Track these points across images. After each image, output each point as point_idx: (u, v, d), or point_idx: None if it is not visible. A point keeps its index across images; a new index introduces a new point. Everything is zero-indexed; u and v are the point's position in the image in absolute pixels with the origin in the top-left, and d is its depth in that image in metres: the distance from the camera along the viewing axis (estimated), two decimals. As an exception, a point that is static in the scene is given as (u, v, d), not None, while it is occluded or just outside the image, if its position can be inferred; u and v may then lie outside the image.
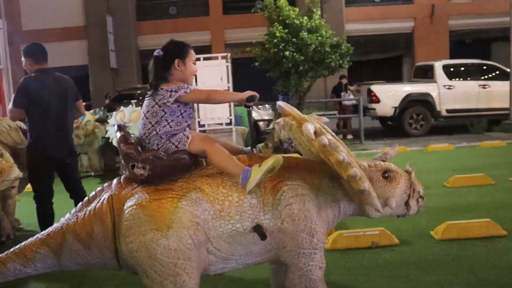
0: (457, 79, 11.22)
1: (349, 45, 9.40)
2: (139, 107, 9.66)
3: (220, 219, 2.34)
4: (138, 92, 11.84)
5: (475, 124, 10.81)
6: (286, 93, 9.58)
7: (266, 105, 11.03)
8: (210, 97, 2.64)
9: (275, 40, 8.66)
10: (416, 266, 3.36)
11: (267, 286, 2.85)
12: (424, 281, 3.11)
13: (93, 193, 2.56)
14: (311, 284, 2.41)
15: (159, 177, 2.42)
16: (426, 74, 11.76)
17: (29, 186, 4.43)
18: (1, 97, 8.02)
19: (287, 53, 8.49)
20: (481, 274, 3.15)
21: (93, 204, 2.47)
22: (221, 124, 9.86)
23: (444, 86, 11.02)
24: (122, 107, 7.64)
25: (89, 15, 19.98)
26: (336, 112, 11.70)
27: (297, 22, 8.78)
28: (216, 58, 9.82)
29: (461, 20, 20.37)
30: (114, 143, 6.48)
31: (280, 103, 2.62)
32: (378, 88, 11.20)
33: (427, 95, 10.97)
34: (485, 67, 11.74)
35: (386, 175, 2.54)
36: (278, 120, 2.57)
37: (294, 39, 8.72)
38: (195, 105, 9.60)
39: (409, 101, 10.94)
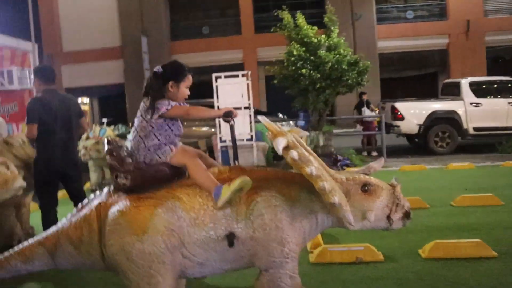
0: (486, 96, 10.90)
1: (368, 62, 9.41)
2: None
3: (194, 226, 2.47)
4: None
5: (504, 143, 10.44)
6: (306, 110, 9.65)
7: (291, 122, 11.14)
8: (189, 113, 2.78)
9: (292, 58, 8.79)
10: (394, 283, 3.32)
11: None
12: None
13: (86, 200, 2.77)
14: None
15: (141, 186, 2.60)
16: (453, 91, 11.50)
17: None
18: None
19: (304, 71, 8.60)
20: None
21: (84, 210, 2.69)
22: (242, 140, 10.04)
23: (471, 103, 10.72)
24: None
25: (125, 36, 20.85)
26: (360, 128, 11.62)
27: (315, 40, 8.89)
28: (237, 76, 10.08)
29: (498, 35, 19.82)
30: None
31: (260, 117, 2.73)
32: (402, 105, 11.05)
33: (453, 112, 10.71)
34: (515, 84, 11.37)
35: (366, 188, 2.55)
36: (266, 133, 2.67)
37: (312, 57, 8.82)
38: (217, 120, 9.87)
39: (434, 119, 10.71)
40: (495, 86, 11.20)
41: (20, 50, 8.57)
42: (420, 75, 21.54)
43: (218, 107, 10.00)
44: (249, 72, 9.97)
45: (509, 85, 11.11)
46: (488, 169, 8.18)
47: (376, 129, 11.27)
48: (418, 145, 11.64)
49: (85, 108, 23.69)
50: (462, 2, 19.83)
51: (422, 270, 3.55)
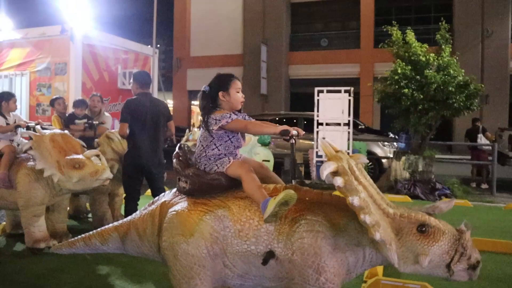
0: None
1: (481, 85, 8.65)
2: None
3: (238, 238, 2.56)
4: (264, 118, 12.61)
5: None
6: (408, 132, 9.20)
7: (394, 143, 10.72)
8: (248, 128, 2.84)
9: (396, 77, 8.45)
10: None
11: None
12: None
13: (157, 197, 3.08)
14: None
15: (198, 191, 2.77)
16: None
17: (148, 190, 5.29)
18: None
19: (406, 90, 8.21)
20: None
21: (152, 206, 3.00)
22: (338, 156, 9.93)
23: None
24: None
25: (246, 44, 21.87)
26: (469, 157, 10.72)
27: (423, 59, 8.44)
28: (339, 91, 10.02)
29: None
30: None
31: (320, 140, 2.69)
32: (523, 136, 9.96)
33: None
34: None
35: (423, 229, 2.35)
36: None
37: (418, 77, 8.39)
38: (315, 135, 9.93)
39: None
40: None
41: (142, 54, 9.58)
42: None
43: (317, 121, 10.07)
44: (352, 89, 9.86)
45: None
46: None
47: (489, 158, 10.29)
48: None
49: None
50: None
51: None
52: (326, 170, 2.35)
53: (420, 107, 8.35)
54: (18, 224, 5.00)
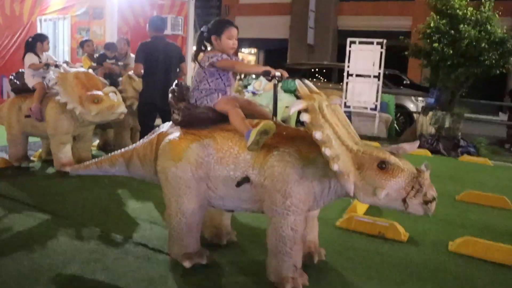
0: None
1: (517, 43, 8.26)
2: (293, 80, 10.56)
3: (219, 164, 2.90)
4: (303, 67, 12.72)
5: None
6: (440, 89, 9.01)
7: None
8: (235, 67, 3.14)
9: (428, 30, 8.24)
10: (394, 267, 3.35)
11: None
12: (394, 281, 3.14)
13: (156, 128, 3.48)
14: (280, 240, 2.76)
15: (188, 123, 3.09)
16: None
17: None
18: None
19: (436, 45, 8.01)
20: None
21: (152, 135, 3.42)
22: (366, 108, 10.00)
23: None
24: (260, 77, 8.63)
25: (295, -8, 21.43)
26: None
27: (460, 13, 8.12)
28: (372, 43, 9.91)
29: None
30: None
31: (297, 80, 2.83)
32: None
33: None
34: None
35: (384, 165, 2.53)
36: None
37: (452, 31, 8.12)
38: (344, 86, 10.00)
39: None
40: None
41: (178, 0, 9.87)
42: None
43: (348, 72, 10.09)
44: (385, 41, 9.70)
45: None
46: None
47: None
48: None
49: (251, 58, 25.54)
50: None
51: (437, 260, 3.53)
52: (294, 107, 2.62)
53: (449, 63, 8.15)
54: (50, 151, 5.69)
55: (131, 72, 5.88)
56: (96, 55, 7.01)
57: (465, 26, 8.06)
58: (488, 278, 3.29)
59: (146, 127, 5.45)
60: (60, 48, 9.14)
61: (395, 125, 10.66)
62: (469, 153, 8.44)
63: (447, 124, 8.78)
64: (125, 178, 4.12)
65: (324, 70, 12.57)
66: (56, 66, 5.39)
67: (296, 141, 2.80)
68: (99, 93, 5.06)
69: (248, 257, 3.02)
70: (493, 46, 7.99)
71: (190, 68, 6.75)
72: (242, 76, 10.18)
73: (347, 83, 10.02)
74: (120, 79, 6.03)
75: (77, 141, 5.58)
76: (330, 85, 11.60)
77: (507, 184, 6.31)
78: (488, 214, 4.84)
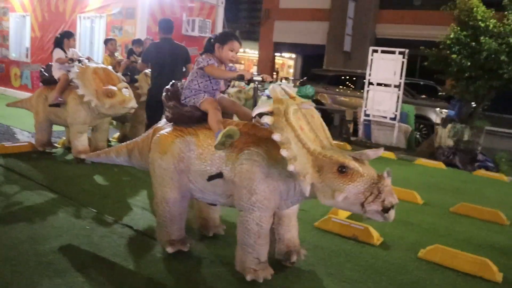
0: None
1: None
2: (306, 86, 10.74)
3: (199, 160, 3.14)
4: (328, 74, 12.88)
5: None
6: (460, 100, 8.93)
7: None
8: (212, 73, 3.30)
9: (448, 41, 8.20)
10: (356, 267, 3.50)
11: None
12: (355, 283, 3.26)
13: (155, 124, 3.77)
14: (246, 233, 2.96)
15: (176, 120, 3.35)
16: None
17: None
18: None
19: (454, 56, 7.97)
20: None
21: (149, 130, 3.75)
22: (385, 117, 10.03)
23: None
24: (278, 81, 8.88)
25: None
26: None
27: (482, 24, 8.04)
28: (394, 52, 9.93)
29: None
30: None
31: (271, 86, 2.94)
32: None
33: None
34: None
35: (344, 170, 2.60)
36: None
37: (473, 43, 8.05)
38: (365, 94, 10.09)
39: None
40: None
41: (208, 4, 10.31)
42: None
43: (369, 80, 10.15)
44: (407, 51, 9.70)
45: None
46: None
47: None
48: None
49: (291, 63, 25.76)
50: None
51: (402, 264, 3.67)
52: (258, 109, 2.82)
53: (466, 75, 8.10)
54: (72, 139, 6.20)
55: (147, 70, 6.32)
56: (116, 54, 7.56)
57: (486, 38, 7.97)
58: (449, 285, 3.41)
59: (154, 122, 5.83)
60: (95, 45, 9.78)
61: (418, 136, 10.62)
62: (486, 168, 8.34)
63: (465, 137, 8.70)
64: (132, 168, 4.52)
65: (355, 78, 12.66)
66: (79, 61, 5.89)
67: (268, 142, 2.89)
68: (114, 88, 5.52)
69: (231, 250, 3.21)
70: (512, 59, 7.86)
71: None
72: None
73: (367, 91, 10.09)
74: (136, 76, 6.50)
75: (95, 131, 6.07)
76: (358, 93, 11.69)
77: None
78: (477, 227, 4.88)
